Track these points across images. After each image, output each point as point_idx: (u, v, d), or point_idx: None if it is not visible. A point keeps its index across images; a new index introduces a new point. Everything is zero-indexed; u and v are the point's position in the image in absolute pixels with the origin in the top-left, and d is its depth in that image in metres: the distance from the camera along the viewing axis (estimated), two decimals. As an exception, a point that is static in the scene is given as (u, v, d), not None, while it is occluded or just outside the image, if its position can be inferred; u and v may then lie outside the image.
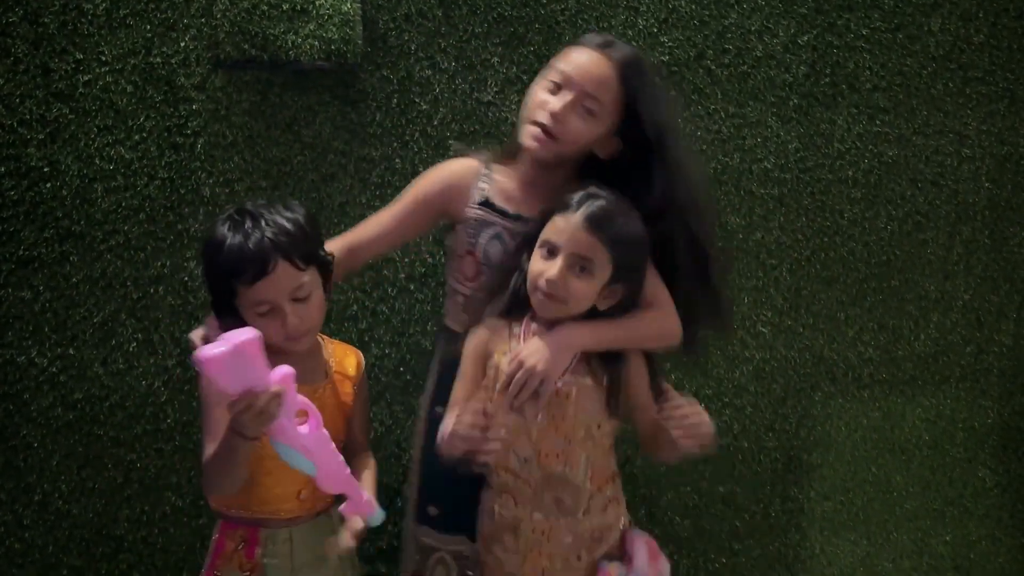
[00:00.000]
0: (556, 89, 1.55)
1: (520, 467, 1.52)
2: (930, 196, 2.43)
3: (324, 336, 1.60)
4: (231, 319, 1.44)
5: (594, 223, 1.46)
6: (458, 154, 1.71)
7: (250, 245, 1.39)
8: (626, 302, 1.55)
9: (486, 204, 1.63)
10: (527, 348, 1.49)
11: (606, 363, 1.54)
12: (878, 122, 2.36)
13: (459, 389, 1.57)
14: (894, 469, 2.48)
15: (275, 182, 1.97)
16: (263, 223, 1.41)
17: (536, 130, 1.54)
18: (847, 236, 2.37)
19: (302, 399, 1.31)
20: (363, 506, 1.41)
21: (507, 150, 1.68)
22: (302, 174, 1.98)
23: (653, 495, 2.28)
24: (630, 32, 2.15)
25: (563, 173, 1.62)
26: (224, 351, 1.20)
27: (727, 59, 2.23)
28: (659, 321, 1.60)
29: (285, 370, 1.27)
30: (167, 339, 1.96)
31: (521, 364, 1.47)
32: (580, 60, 1.54)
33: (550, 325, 1.52)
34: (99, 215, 1.89)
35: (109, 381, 1.94)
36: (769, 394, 2.36)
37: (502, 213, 1.62)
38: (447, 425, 1.46)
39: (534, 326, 1.54)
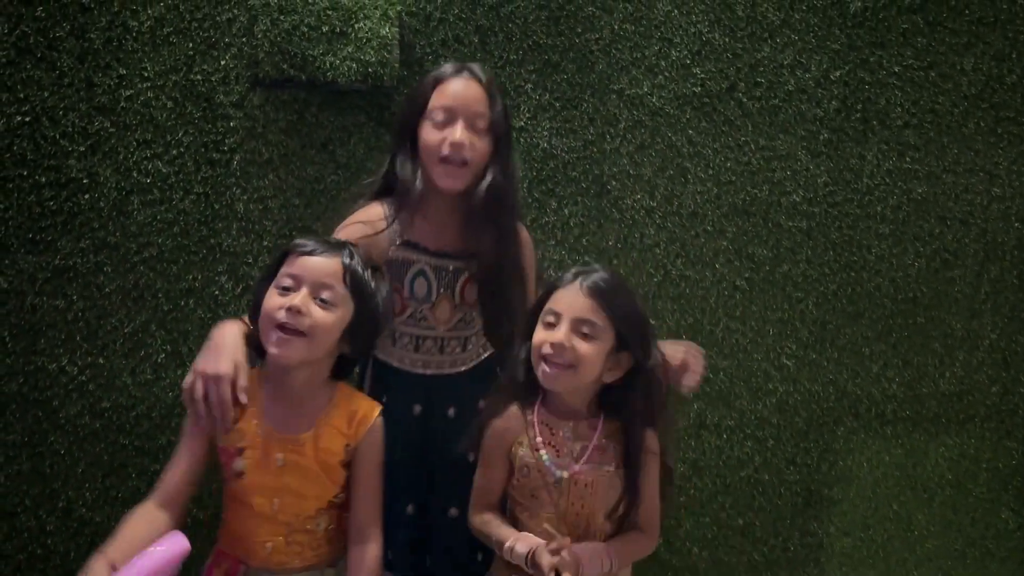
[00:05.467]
0: (444, 125, 1.63)
1: (545, 537, 1.53)
2: (958, 234, 2.42)
3: (347, 386, 1.58)
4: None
5: (593, 290, 1.50)
6: (358, 199, 1.72)
7: (325, 238, 1.53)
8: (634, 375, 1.54)
9: (408, 244, 1.68)
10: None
11: (625, 457, 1.56)
12: (908, 159, 2.36)
13: (480, 478, 1.61)
14: (916, 507, 2.46)
15: (308, 200, 2.00)
16: (343, 243, 1.53)
17: (449, 167, 1.62)
18: (874, 271, 2.37)
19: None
20: None
21: (406, 200, 1.66)
22: (335, 193, 2.00)
23: (671, 525, 2.27)
24: (663, 63, 2.17)
25: (467, 202, 1.66)
26: None
27: (759, 92, 2.24)
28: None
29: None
30: (195, 352, 1.96)
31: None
32: (456, 90, 1.63)
33: (560, 413, 1.55)
34: (134, 227, 1.92)
35: (136, 391, 1.96)
36: (791, 427, 2.35)
37: (424, 250, 1.68)
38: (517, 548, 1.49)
39: (542, 412, 1.56)
